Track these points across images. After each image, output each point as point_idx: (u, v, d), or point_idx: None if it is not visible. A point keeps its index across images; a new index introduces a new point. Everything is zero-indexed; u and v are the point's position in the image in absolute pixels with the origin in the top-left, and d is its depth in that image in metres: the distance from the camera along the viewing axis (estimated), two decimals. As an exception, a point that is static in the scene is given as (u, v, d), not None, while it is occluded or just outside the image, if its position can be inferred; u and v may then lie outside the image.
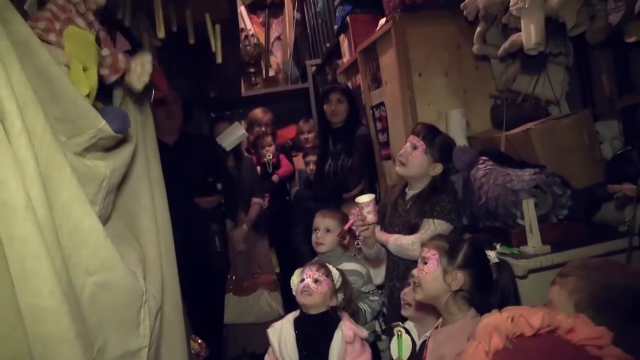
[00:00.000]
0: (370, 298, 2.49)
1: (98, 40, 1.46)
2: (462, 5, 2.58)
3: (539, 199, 2.08)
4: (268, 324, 2.32)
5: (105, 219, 1.44)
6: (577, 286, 1.31)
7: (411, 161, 2.18)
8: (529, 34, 2.10)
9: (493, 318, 1.16)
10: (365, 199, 2.18)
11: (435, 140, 2.20)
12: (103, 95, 1.53)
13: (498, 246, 2.12)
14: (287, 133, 5.12)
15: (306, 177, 4.12)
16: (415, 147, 2.18)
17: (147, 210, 1.71)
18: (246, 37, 5.80)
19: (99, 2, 1.43)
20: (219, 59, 1.86)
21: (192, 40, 1.91)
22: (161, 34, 1.58)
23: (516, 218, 2.08)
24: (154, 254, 1.70)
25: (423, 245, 1.83)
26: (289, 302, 2.40)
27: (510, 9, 2.16)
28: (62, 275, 1.10)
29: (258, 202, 3.93)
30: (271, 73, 5.98)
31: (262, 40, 6.05)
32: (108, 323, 1.33)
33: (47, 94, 1.19)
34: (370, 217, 2.17)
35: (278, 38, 6.21)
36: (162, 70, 2.40)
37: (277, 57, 6.20)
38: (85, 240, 1.21)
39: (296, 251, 4.00)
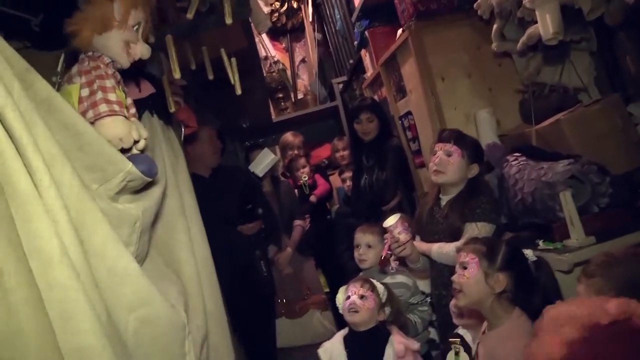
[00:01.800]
0: (420, 309, 2.46)
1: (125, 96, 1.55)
2: (475, 5, 2.56)
3: (576, 189, 2.02)
4: (323, 344, 2.33)
5: (143, 257, 1.49)
6: (603, 287, 1.32)
7: (450, 168, 2.17)
8: (546, 25, 2.07)
9: (563, 310, 1.14)
10: (391, 221, 2.19)
11: (467, 142, 2.19)
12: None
13: (540, 242, 2.06)
14: (322, 152, 5.16)
15: (345, 194, 4.12)
16: (449, 154, 2.16)
17: (183, 244, 1.76)
18: (271, 64, 5.91)
19: (124, 65, 1.52)
20: (239, 91, 1.91)
21: (211, 77, 1.96)
22: (177, 74, 1.64)
23: (555, 211, 2.03)
24: (194, 286, 1.74)
25: (459, 250, 1.81)
26: (342, 320, 2.40)
27: (524, 2, 2.14)
28: (102, 315, 1.14)
29: (300, 224, 3.96)
30: (299, 95, 6.06)
31: (287, 64, 6.14)
32: (153, 358, 1.37)
33: (74, 146, 1.26)
34: (404, 236, 2.17)
35: (303, 61, 6.30)
36: (190, 107, 2.48)
37: (304, 79, 6.28)
38: (122, 279, 1.26)
39: (343, 269, 3.98)
